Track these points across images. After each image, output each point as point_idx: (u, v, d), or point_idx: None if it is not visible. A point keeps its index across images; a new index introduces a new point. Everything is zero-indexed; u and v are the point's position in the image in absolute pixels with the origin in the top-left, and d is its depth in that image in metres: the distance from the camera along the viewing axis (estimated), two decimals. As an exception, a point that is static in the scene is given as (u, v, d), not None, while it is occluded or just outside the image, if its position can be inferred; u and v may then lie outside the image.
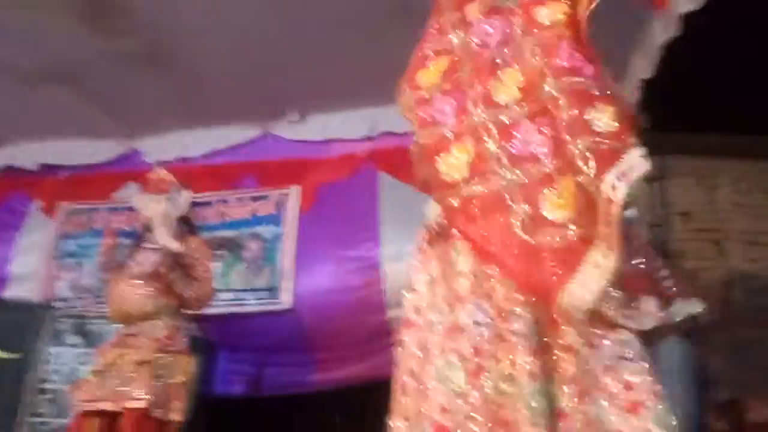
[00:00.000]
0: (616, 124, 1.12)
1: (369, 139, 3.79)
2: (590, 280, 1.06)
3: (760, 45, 3.95)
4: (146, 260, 2.54)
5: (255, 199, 3.80)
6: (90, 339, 3.24)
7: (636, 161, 1.08)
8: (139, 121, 4.02)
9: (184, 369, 2.43)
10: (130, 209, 3.89)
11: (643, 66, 3.07)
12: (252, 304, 3.48)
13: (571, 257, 1.10)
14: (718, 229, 3.66)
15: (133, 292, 2.47)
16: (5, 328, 3.31)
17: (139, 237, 2.72)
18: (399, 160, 3.65)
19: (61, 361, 3.18)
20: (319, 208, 3.68)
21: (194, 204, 3.05)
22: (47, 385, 3.13)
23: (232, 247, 3.64)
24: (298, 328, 3.45)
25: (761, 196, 3.77)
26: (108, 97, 3.75)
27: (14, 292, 3.81)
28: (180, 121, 4.01)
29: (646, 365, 1.12)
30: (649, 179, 3.69)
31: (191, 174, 3.76)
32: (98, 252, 3.18)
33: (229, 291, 3.44)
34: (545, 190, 1.16)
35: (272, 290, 3.48)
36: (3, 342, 3.25)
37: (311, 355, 3.43)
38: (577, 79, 1.18)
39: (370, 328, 3.30)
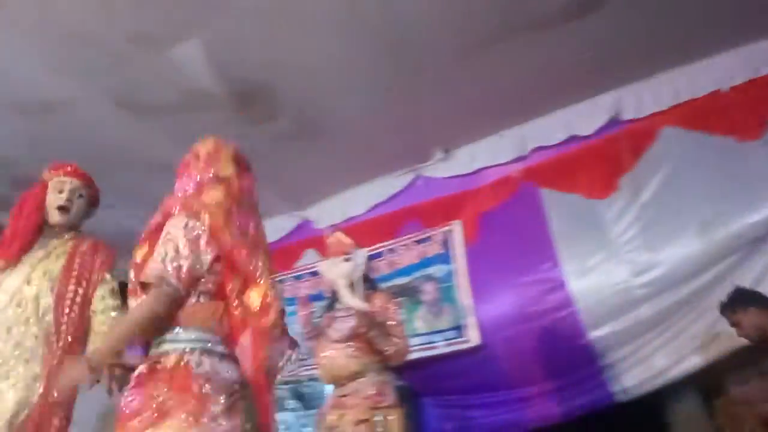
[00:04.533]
0: None
1: (520, 158, 3.69)
2: None
3: None
4: (343, 324, 2.67)
5: (420, 241, 3.85)
6: (306, 401, 3.48)
7: None
8: (305, 192, 4.36)
9: (399, 423, 2.47)
10: (313, 274, 4.20)
11: None
12: (441, 346, 3.48)
13: None
14: None
15: (338, 355, 2.61)
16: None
17: (330, 301, 2.88)
18: (557, 171, 3.52)
19: (287, 425, 3.46)
20: (485, 237, 3.62)
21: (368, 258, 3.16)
22: (278, 450, 3.41)
23: (409, 292, 3.70)
24: (492, 364, 3.37)
25: None
26: (272, 176, 4.11)
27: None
28: (339, 184, 4.28)
29: None
30: None
31: (358, 230, 3.95)
32: (297, 321, 3.41)
33: (416, 336, 3.47)
34: None
35: (458, 329, 3.46)
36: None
37: (516, 392, 3.29)
38: None
39: (573, 354, 3.11)
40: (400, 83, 3.24)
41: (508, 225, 3.53)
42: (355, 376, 2.58)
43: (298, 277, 4.31)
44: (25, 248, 2.07)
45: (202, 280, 1.55)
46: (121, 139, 3.51)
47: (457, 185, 3.87)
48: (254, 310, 1.54)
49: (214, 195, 1.66)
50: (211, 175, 1.73)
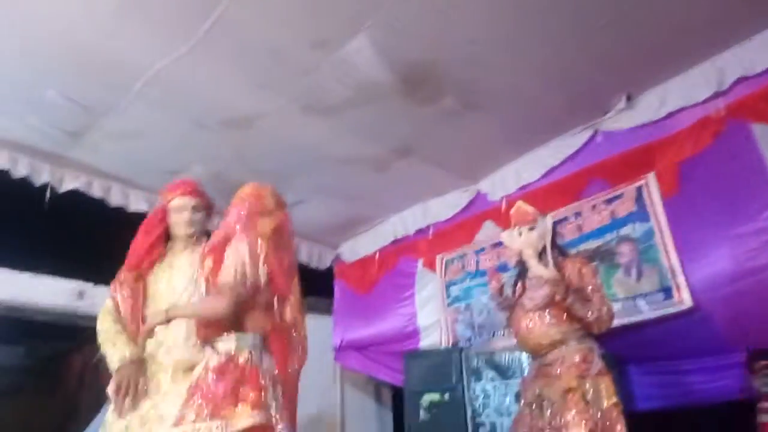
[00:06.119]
0: None
1: (720, 93, 3.22)
2: None
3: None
4: (537, 293, 2.62)
5: (609, 201, 3.59)
6: (502, 371, 3.51)
7: None
8: (476, 166, 4.34)
9: (610, 391, 2.36)
10: (494, 246, 4.19)
11: None
12: (646, 311, 3.23)
13: None
14: None
15: (536, 324, 2.56)
16: (432, 374, 3.87)
17: (519, 271, 2.83)
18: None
19: (485, 395, 3.53)
20: (687, 188, 3.25)
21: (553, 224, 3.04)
22: (482, 419, 3.49)
23: (603, 256, 3.48)
24: (709, 327, 3.04)
25: None
26: (444, 154, 4.16)
27: (426, 342, 4.45)
28: (510, 152, 4.18)
29: None
30: None
31: (536, 197, 3.82)
32: (488, 293, 3.43)
33: (616, 301, 3.26)
34: None
35: (664, 291, 3.17)
36: (434, 386, 3.80)
37: (740, 356, 2.95)
38: None
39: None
40: (568, 36, 3.03)
41: (714, 171, 3.12)
42: (556, 344, 2.51)
43: (479, 251, 4.33)
44: (146, 258, 2.37)
45: (261, 292, 1.98)
46: (308, 141, 3.84)
47: (645, 135, 3.52)
48: (288, 323, 2.01)
49: (264, 226, 2.06)
50: (257, 209, 2.11)
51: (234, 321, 1.99)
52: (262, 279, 1.96)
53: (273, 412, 1.85)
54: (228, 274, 1.94)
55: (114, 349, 2.23)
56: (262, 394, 1.84)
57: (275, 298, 1.99)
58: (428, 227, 4.76)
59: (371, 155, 4.10)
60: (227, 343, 1.97)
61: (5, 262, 3.59)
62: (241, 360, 1.91)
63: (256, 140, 3.75)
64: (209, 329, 2.02)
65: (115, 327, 2.29)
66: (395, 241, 5.00)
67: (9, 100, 3.29)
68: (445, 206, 4.63)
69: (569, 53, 3.16)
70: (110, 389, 2.18)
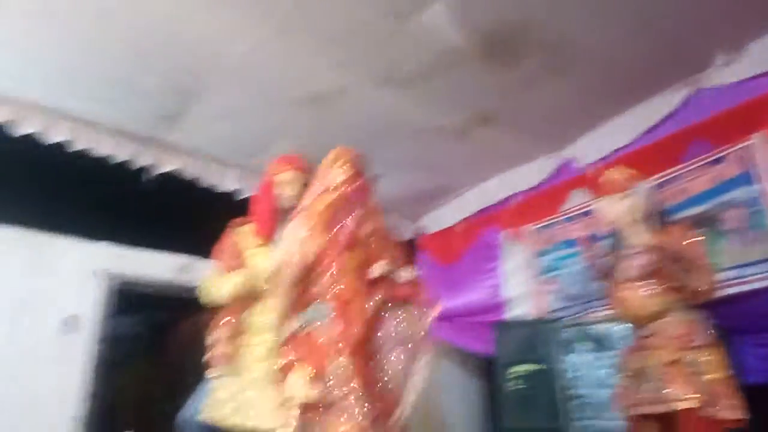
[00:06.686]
0: None
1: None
2: None
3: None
4: (634, 262, 2.51)
5: (711, 164, 3.34)
6: (598, 343, 3.41)
7: None
8: (561, 131, 4.17)
9: (719, 363, 2.24)
10: (584, 215, 4.04)
11: None
12: (757, 279, 3.00)
13: None
14: None
15: (636, 294, 2.46)
16: (524, 345, 3.83)
17: (614, 240, 2.72)
18: None
19: (579, 367, 3.44)
20: (802, 146, 2.97)
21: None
22: (575, 391, 3.42)
23: (706, 222, 3.25)
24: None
25: None
26: (527, 120, 4.02)
27: (514, 313, 4.40)
28: (599, 116, 3.97)
29: None
30: None
31: (630, 162, 3.61)
32: (582, 262, 3.33)
33: (723, 270, 3.05)
34: None
35: (778, 258, 2.94)
36: (526, 357, 3.77)
37: None
38: None
39: None
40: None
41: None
42: (656, 315, 2.41)
43: (568, 219, 4.18)
44: (275, 228, 2.46)
45: (318, 266, 2.01)
46: (388, 113, 3.83)
47: (751, 90, 3.22)
48: (345, 298, 1.97)
49: (320, 203, 2.09)
50: (327, 183, 2.14)
51: (303, 298, 2.05)
52: (311, 252, 2.01)
53: (339, 381, 1.84)
54: (274, 256, 2.14)
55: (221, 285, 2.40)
56: (323, 366, 1.87)
57: (329, 272, 2.00)
58: (512, 197, 4.65)
59: (452, 124, 4.04)
60: (300, 318, 2.04)
61: (119, 239, 3.91)
62: (302, 334, 1.98)
63: (337, 115, 3.79)
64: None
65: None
66: (478, 212, 4.93)
67: (108, 88, 3.52)
68: (529, 175, 4.50)
69: (667, 3, 2.93)
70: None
